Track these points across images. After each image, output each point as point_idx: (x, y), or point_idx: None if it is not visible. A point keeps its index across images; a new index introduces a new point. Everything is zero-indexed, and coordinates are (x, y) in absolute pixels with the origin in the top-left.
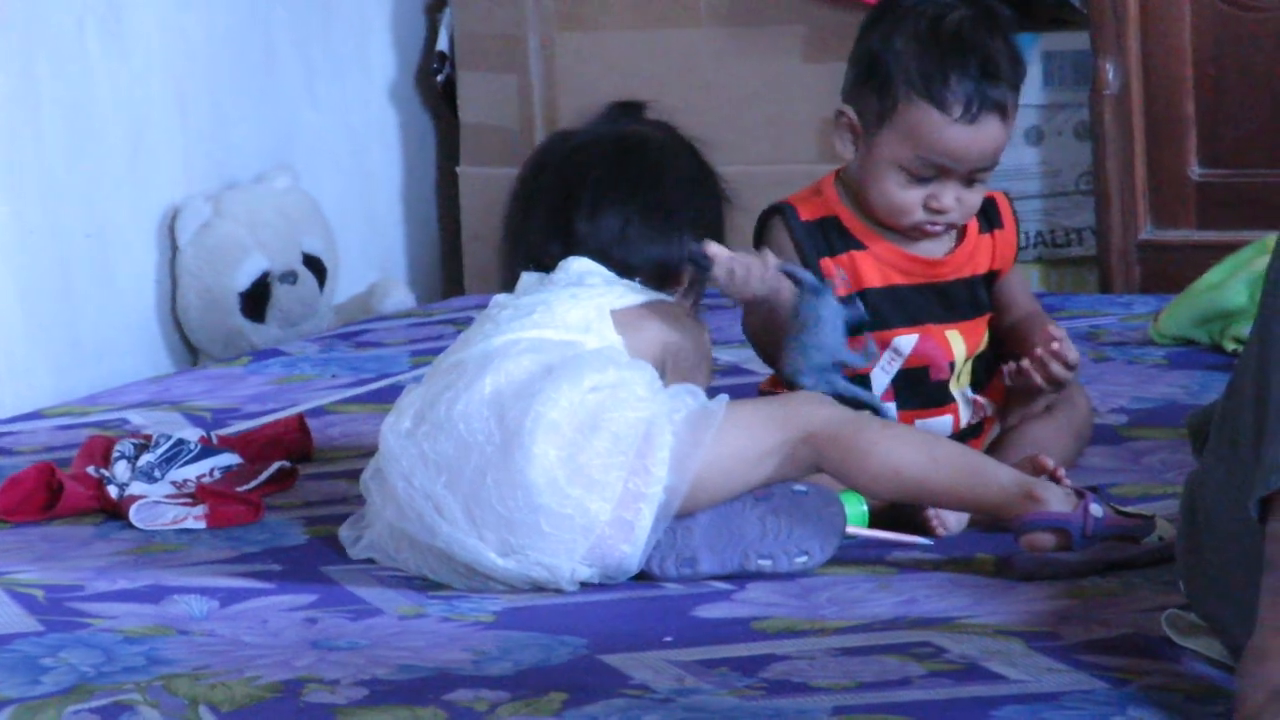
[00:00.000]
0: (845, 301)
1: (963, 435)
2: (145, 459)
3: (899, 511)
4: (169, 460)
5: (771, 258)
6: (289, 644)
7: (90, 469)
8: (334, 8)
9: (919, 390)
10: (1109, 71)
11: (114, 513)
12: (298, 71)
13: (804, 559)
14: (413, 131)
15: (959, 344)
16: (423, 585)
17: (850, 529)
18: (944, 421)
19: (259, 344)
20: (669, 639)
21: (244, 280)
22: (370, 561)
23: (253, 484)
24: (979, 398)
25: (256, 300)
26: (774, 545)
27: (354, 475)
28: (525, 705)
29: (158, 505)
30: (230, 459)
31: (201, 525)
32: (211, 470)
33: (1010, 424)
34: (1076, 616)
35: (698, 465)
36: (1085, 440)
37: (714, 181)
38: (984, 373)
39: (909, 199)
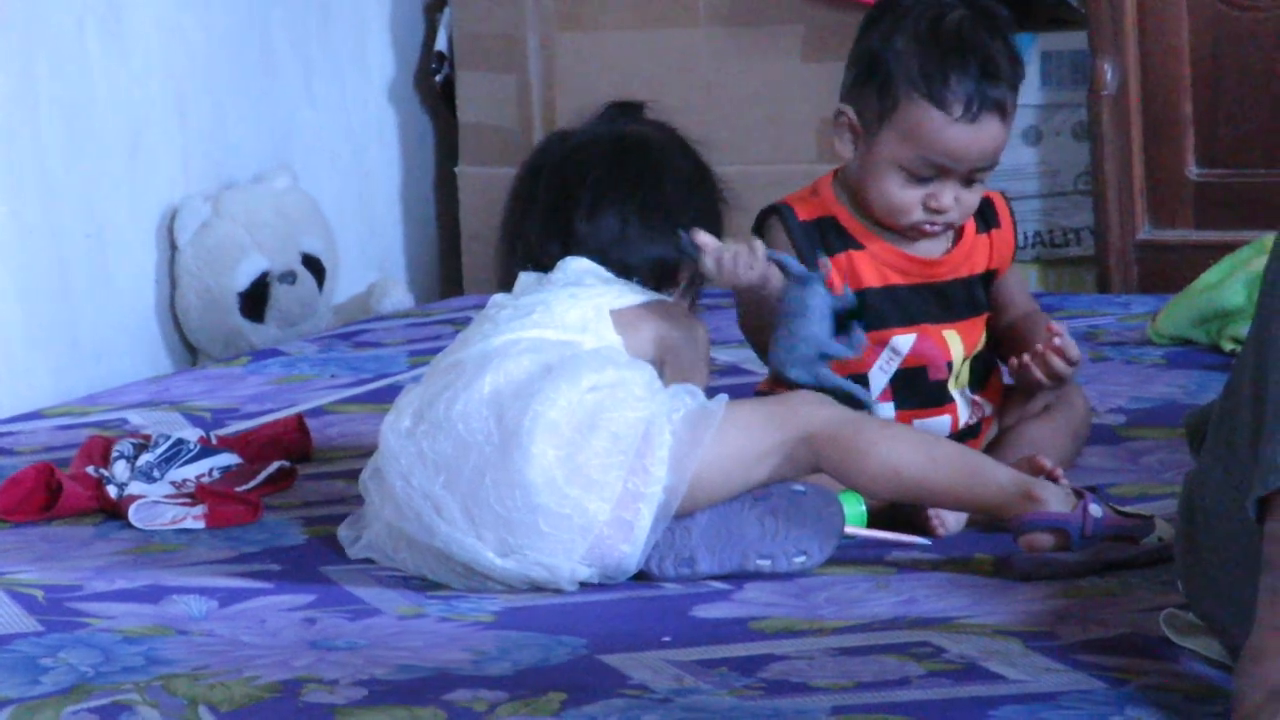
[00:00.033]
0: (834, 291)
1: (961, 435)
2: (144, 459)
3: (898, 511)
4: (168, 460)
5: (760, 246)
6: (288, 644)
7: (89, 469)
8: (333, 8)
9: (917, 390)
10: (1107, 71)
11: (113, 513)
12: (297, 71)
13: (803, 559)
14: (412, 131)
15: (957, 344)
16: (421, 585)
17: (849, 529)
18: (942, 422)
19: (258, 344)
20: (668, 639)
21: (243, 280)
22: (369, 561)
23: (252, 484)
24: (977, 398)
25: (255, 300)
26: (773, 545)
27: (353, 475)
28: (524, 705)
29: (157, 505)
30: (229, 459)
31: (200, 525)
32: (210, 470)
33: (1008, 424)
34: (1075, 616)
35: (696, 465)
36: (1083, 440)
37: (712, 182)
38: (982, 373)
39: (908, 199)
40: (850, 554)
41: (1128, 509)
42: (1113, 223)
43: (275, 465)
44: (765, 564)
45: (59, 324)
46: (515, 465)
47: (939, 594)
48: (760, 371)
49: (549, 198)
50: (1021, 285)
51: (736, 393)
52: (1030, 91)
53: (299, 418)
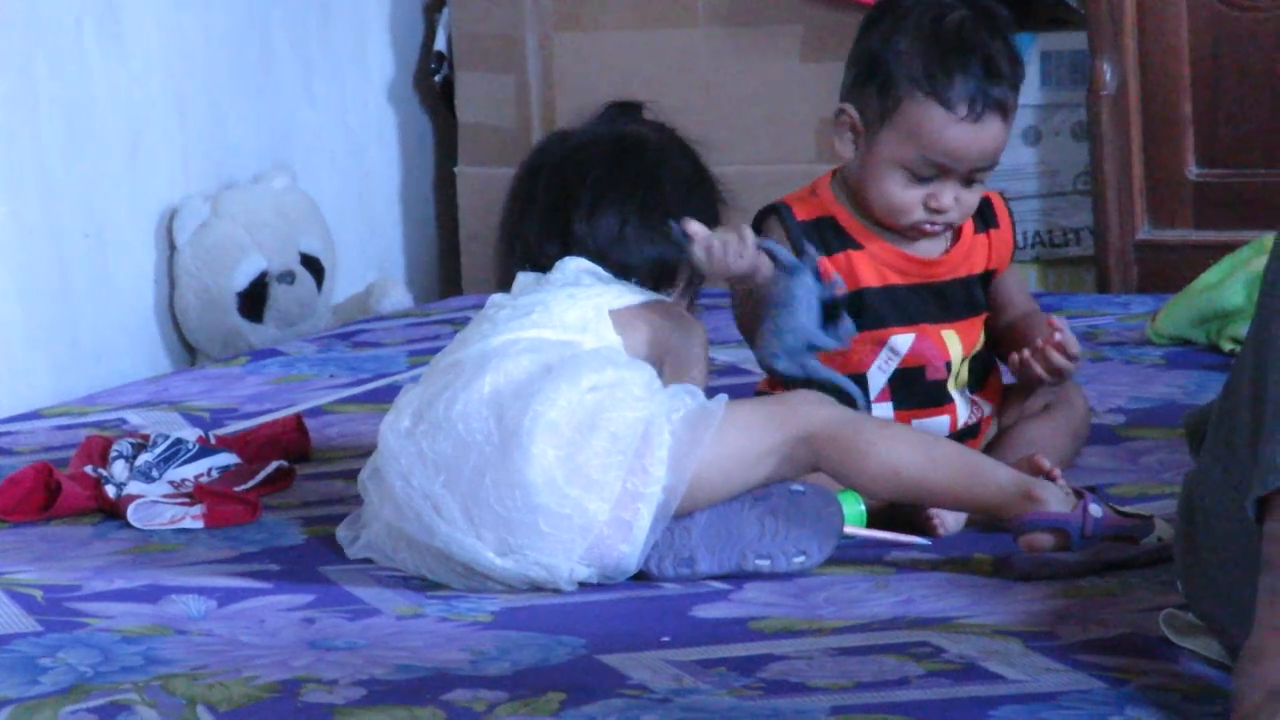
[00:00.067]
0: (822, 280)
1: (960, 435)
2: (143, 459)
3: (897, 511)
4: (167, 460)
5: (750, 234)
6: (287, 644)
7: (88, 469)
8: (332, 8)
9: (915, 390)
10: (1106, 71)
11: (112, 512)
12: (296, 71)
13: (802, 559)
14: (411, 131)
15: (955, 344)
16: (421, 585)
17: (848, 529)
18: (941, 422)
19: (257, 344)
20: (667, 639)
21: (242, 280)
22: (368, 561)
23: (250, 484)
24: (976, 398)
25: (254, 300)
26: (772, 545)
27: (352, 475)
28: (523, 705)
29: (155, 505)
30: (228, 459)
31: (199, 525)
32: (209, 470)
33: (1007, 424)
34: (1074, 616)
35: (696, 465)
36: (1082, 440)
37: (711, 182)
38: (981, 373)
39: (909, 198)
40: (849, 554)
41: (1127, 509)
42: (1112, 223)
43: (274, 465)
44: (764, 564)
45: (58, 324)
46: (515, 465)
47: (938, 594)
48: (758, 371)
49: (548, 198)
50: (1020, 285)
51: (736, 393)
52: (1030, 91)
53: (298, 418)
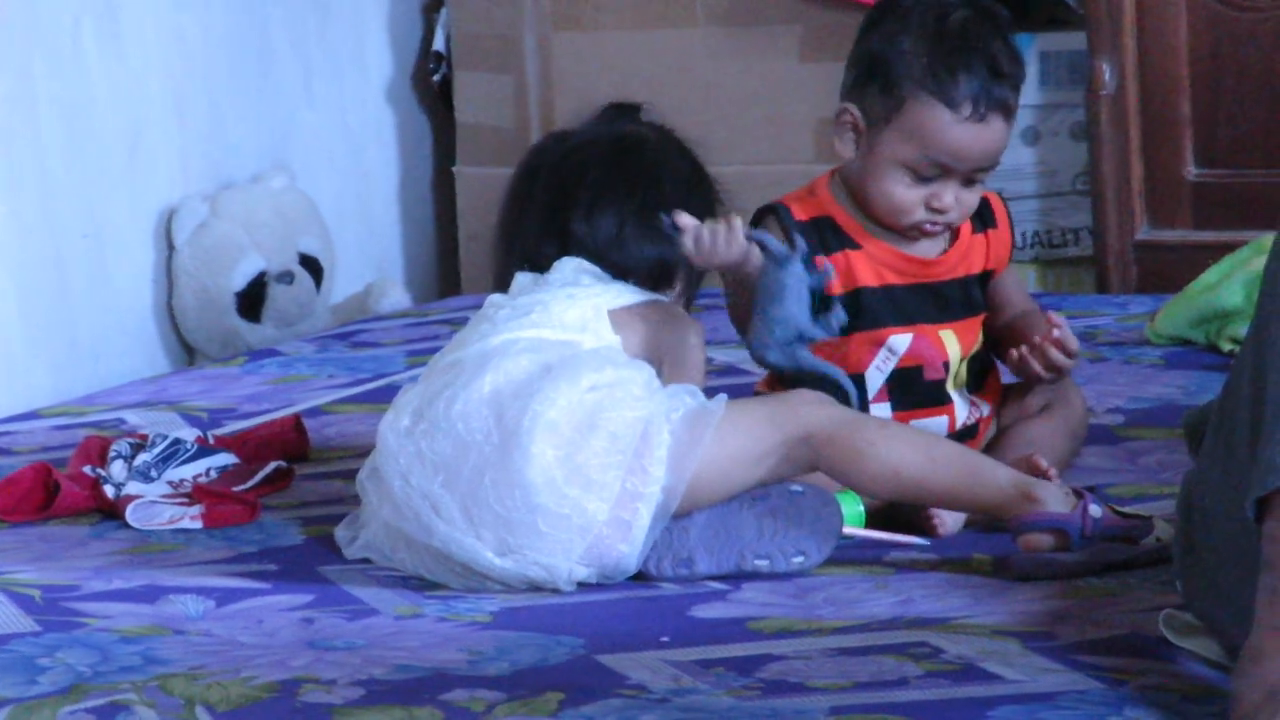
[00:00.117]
0: (812, 269)
1: (959, 436)
2: (141, 459)
3: (896, 511)
4: (165, 460)
5: (739, 223)
6: (285, 644)
7: (87, 469)
8: (331, 8)
9: (913, 390)
10: (1105, 72)
11: (110, 512)
12: (295, 71)
13: (801, 559)
14: (409, 131)
15: (953, 344)
16: (419, 585)
17: (847, 529)
18: (939, 422)
19: (255, 344)
20: (666, 639)
21: (240, 280)
22: (366, 561)
23: (249, 484)
24: (975, 398)
25: (253, 300)
26: (771, 545)
27: (350, 475)
28: (522, 705)
29: (154, 505)
30: (226, 459)
31: (198, 525)
32: (208, 470)
33: (1006, 424)
34: (1073, 617)
35: (695, 465)
36: (1081, 440)
37: (709, 183)
38: (979, 373)
39: (911, 198)
40: (848, 554)
41: (1126, 509)
42: (1111, 223)
43: (272, 465)
44: (763, 564)
45: (57, 324)
46: (515, 465)
47: (937, 594)
48: (757, 371)
49: (546, 198)
50: (1019, 285)
51: (735, 393)
52: (1028, 92)
53: (296, 418)
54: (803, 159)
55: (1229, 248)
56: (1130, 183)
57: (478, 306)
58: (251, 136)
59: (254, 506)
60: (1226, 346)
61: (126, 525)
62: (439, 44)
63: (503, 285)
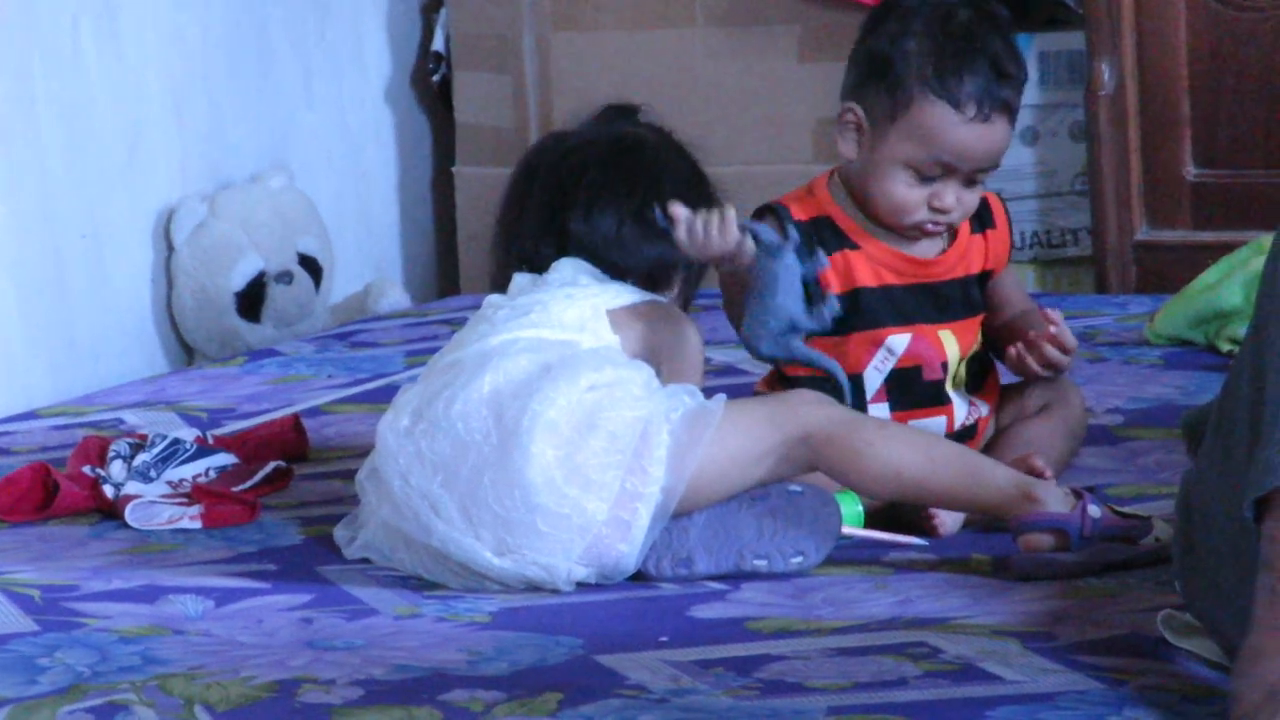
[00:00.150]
0: (805, 257)
1: (958, 436)
2: (141, 459)
3: (895, 511)
4: (164, 460)
5: (733, 213)
6: (284, 644)
7: (86, 469)
8: (330, 8)
9: (911, 390)
10: (1104, 72)
11: (109, 512)
12: (294, 71)
13: (799, 559)
14: (408, 131)
15: (952, 344)
16: (418, 585)
17: (846, 529)
18: (938, 422)
19: (254, 344)
20: (665, 639)
21: (239, 280)
22: (366, 561)
23: (248, 484)
24: (974, 399)
25: (252, 300)
26: (770, 545)
27: (349, 475)
28: (521, 705)
29: (153, 505)
30: (226, 459)
31: (197, 525)
32: (207, 470)
33: (1005, 424)
34: (1073, 617)
35: (694, 465)
36: (1079, 440)
37: (707, 185)
38: (978, 373)
39: (913, 198)
40: (847, 554)
41: (1126, 509)
42: (1110, 223)
43: (272, 465)
44: (762, 564)
45: (55, 324)
46: (514, 465)
47: (936, 594)
48: (756, 371)
49: (545, 198)
50: (1018, 285)
51: (733, 393)
52: (1027, 92)
53: (295, 418)
54: (801, 159)
55: (1228, 248)
56: (1129, 183)
57: (477, 307)
58: (250, 136)
59: (253, 506)
60: (1225, 347)
61: (126, 525)
62: (438, 44)
63: (501, 285)
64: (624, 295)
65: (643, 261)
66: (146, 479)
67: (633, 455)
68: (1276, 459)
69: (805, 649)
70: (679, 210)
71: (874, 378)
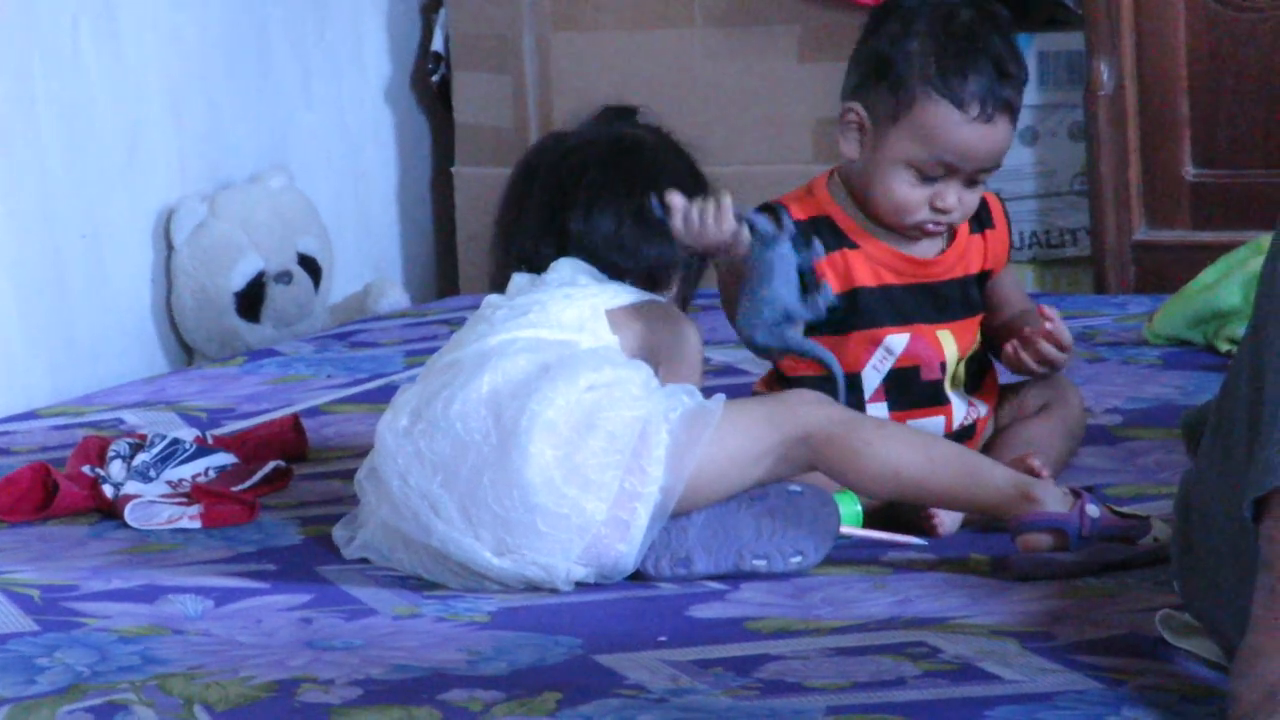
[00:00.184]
0: (800, 246)
1: (957, 436)
2: (140, 459)
3: (894, 511)
4: (164, 460)
5: (729, 203)
6: (284, 644)
7: (85, 468)
8: (329, 8)
9: (910, 390)
10: (1103, 72)
11: (109, 512)
12: (293, 72)
13: (799, 559)
14: (408, 131)
15: (951, 344)
16: (418, 585)
17: (845, 529)
18: (936, 422)
19: (254, 344)
20: (664, 639)
21: (239, 280)
22: (365, 561)
23: (248, 484)
24: (973, 399)
25: (251, 300)
26: (769, 545)
27: (348, 475)
28: (520, 705)
29: (153, 505)
30: (225, 459)
31: (196, 525)
32: (206, 470)
33: (1004, 424)
34: (1071, 617)
35: (693, 465)
36: (1078, 440)
37: (706, 185)
38: (977, 374)
39: (915, 198)
40: (846, 554)
41: (1124, 509)
42: (1109, 223)
43: (271, 465)
44: (761, 564)
45: (55, 324)
46: (514, 465)
47: (935, 594)
48: (755, 371)
49: (544, 198)
50: (1017, 285)
51: (732, 393)
52: (1027, 92)
53: (295, 418)
54: (801, 159)
55: (1227, 248)
56: (1128, 183)
57: (476, 307)
58: (250, 137)
59: (252, 506)
60: (1224, 347)
61: (125, 525)
62: (438, 44)
63: (500, 286)
64: (623, 295)
65: (641, 261)
66: (146, 479)
67: (631, 455)
68: (1276, 459)
69: (804, 649)
70: (676, 199)
71: (872, 377)
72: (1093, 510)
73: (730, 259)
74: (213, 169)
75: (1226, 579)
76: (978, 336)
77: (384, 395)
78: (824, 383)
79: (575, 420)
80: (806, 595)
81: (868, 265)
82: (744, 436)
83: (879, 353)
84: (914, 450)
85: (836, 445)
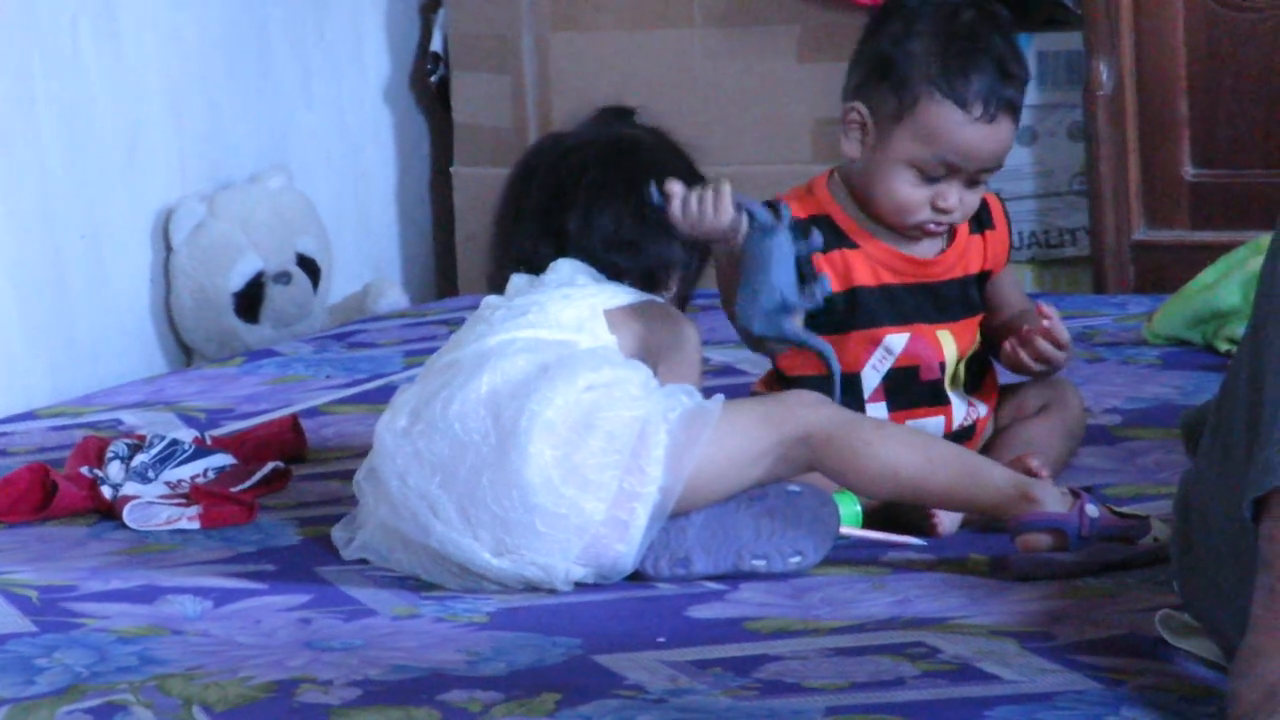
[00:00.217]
0: (799, 236)
1: (956, 436)
2: (139, 459)
3: (894, 511)
4: (163, 461)
5: (728, 190)
6: (283, 644)
7: (84, 469)
8: (329, 8)
9: (909, 390)
10: (1102, 72)
11: (108, 513)
12: (292, 72)
13: (798, 559)
14: (407, 132)
15: (950, 344)
16: (416, 586)
17: (844, 529)
18: (936, 422)
19: (253, 344)
20: (663, 639)
21: (238, 280)
22: (364, 562)
23: (246, 484)
24: (973, 399)
25: (250, 301)
26: (768, 545)
27: (347, 476)
28: (519, 706)
29: (151, 506)
30: (224, 459)
31: (195, 526)
32: (205, 471)
33: (1003, 424)
34: (1071, 617)
35: (692, 465)
36: (1078, 440)
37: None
38: (977, 374)
39: (917, 197)
40: (845, 554)
41: (1124, 509)
42: (1108, 223)
43: (270, 466)
44: (760, 564)
45: (54, 324)
46: (513, 465)
47: (934, 594)
48: (755, 371)
49: (542, 199)
50: (1016, 285)
51: (731, 393)
52: (1026, 92)
53: (294, 418)
54: (800, 159)
55: (1226, 248)
56: (1128, 183)
57: (475, 307)
58: (249, 137)
59: (251, 507)
60: (1223, 347)
61: (124, 526)
62: (436, 44)
63: (498, 286)
64: (621, 295)
65: (640, 262)
66: (145, 479)
67: (630, 455)
68: (1275, 459)
69: (803, 649)
70: (674, 185)
71: (871, 377)
72: (1092, 510)
73: (729, 248)
74: (212, 169)
75: (1226, 579)
76: (977, 337)
77: (383, 396)
78: (823, 383)
79: (574, 420)
80: (805, 595)
81: (867, 264)
82: (743, 437)
83: (878, 352)
84: (913, 451)
85: (836, 446)
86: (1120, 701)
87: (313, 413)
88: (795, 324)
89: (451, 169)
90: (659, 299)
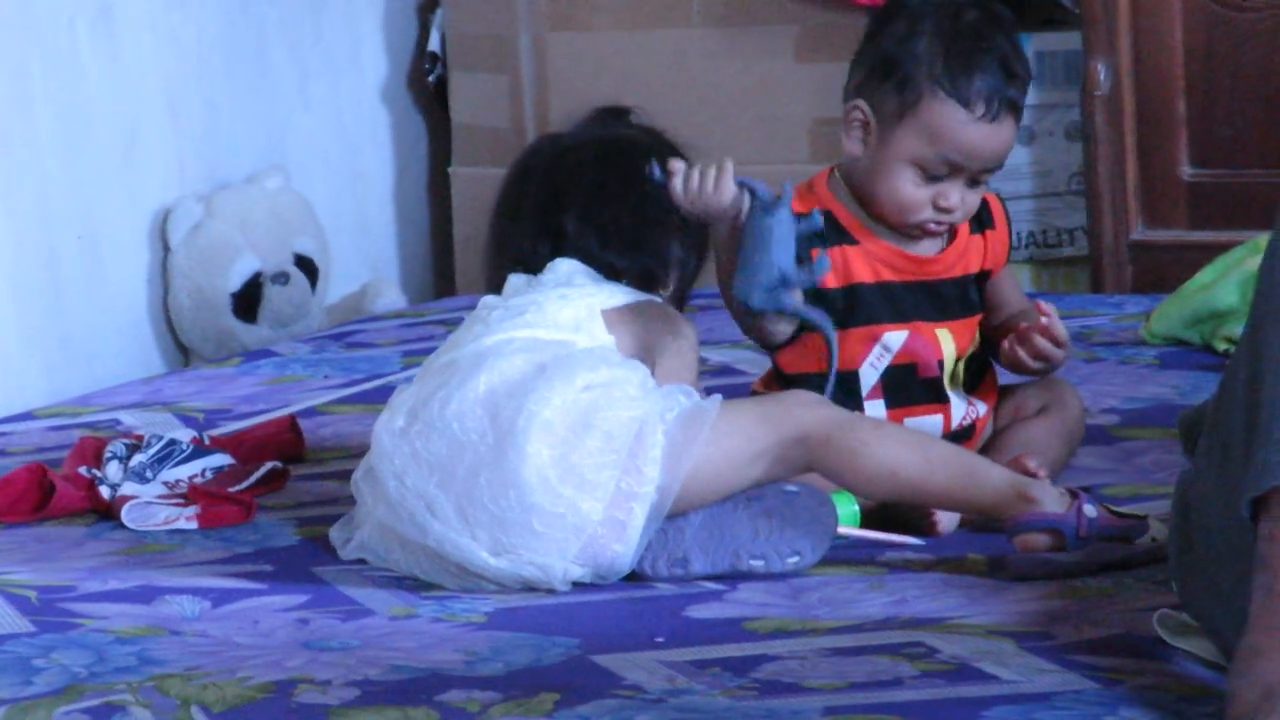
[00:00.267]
0: (800, 216)
1: (955, 436)
2: (137, 459)
3: (892, 511)
4: (161, 461)
5: (730, 167)
6: (280, 644)
7: (82, 469)
8: (326, 8)
9: (907, 388)
10: (1100, 72)
11: (106, 513)
12: (290, 72)
13: (796, 559)
14: (405, 132)
15: (949, 343)
16: (414, 586)
17: (842, 529)
18: (934, 421)
19: (250, 345)
20: (661, 639)
21: (236, 281)
22: (362, 562)
23: (244, 484)
24: (972, 399)
25: (248, 301)
26: (766, 545)
27: (345, 476)
28: (517, 706)
29: (149, 506)
30: (222, 460)
31: (193, 526)
32: (203, 471)
33: (1002, 425)
34: (1068, 617)
35: (690, 465)
36: (1077, 441)
37: None
38: (976, 374)
39: (919, 196)
40: (843, 554)
41: (1122, 509)
42: (1106, 223)
43: (268, 466)
44: (758, 564)
45: (52, 324)
46: (510, 464)
47: (932, 594)
48: (753, 371)
49: (540, 199)
50: (1016, 285)
51: (730, 393)
52: None
53: (291, 418)
54: (798, 159)
55: (1224, 248)
56: (1125, 183)
57: (473, 307)
58: (247, 137)
59: (249, 507)
60: (1221, 346)
61: (122, 526)
62: (434, 44)
63: (496, 286)
64: (619, 295)
65: (637, 261)
66: (143, 480)
67: (628, 455)
68: (1274, 458)
69: (801, 649)
70: (676, 162)
71: (870, 374)
72: (1090, 510)
73: (730, 226)
74: (210, 169)
75: (1224, 579)
76: (977, 337)
77: (381, 396)
78: (823, 381)
79: (572, 420)
80: (804, 595)
81: (867, 262)
82: (741, 437)
83: (876, 350)
84: (911, 450)
85: (834, 446)
86: (1118, 701)
87: (310, 413)
88: (794, 298)
89: (449, 169)
90: (657, 299)
